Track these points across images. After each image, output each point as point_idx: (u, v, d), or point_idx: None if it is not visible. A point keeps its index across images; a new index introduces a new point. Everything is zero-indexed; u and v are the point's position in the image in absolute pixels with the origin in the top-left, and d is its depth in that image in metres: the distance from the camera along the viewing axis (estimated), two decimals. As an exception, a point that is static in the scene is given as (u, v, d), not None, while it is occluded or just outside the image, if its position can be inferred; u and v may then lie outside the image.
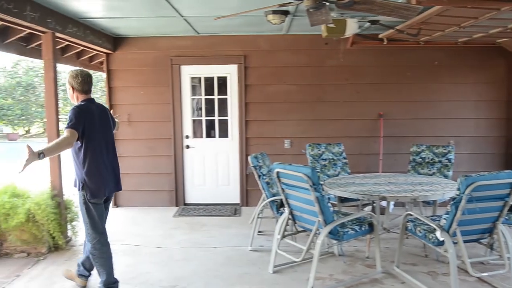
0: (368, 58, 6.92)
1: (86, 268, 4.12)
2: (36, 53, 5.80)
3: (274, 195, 4.96)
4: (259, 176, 4.98)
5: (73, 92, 3.80)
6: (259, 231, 5.59)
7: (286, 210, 4.34)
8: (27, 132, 25.74)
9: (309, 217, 4.09)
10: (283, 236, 4.41)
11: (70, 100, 3.86)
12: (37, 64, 19.27)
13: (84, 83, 3.82)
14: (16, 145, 22.10)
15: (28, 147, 3.20)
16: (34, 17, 4.55)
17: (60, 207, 5.16)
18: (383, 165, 6.85)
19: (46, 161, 3.66)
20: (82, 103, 3.79)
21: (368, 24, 5.58)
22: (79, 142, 3.65)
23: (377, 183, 4.78)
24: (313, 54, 6.94)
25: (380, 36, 6.24)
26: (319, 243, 3.88)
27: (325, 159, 5.92)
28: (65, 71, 25.38)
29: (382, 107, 6.96)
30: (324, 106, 7.00)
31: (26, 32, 5.05)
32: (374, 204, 5.02)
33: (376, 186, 4.58)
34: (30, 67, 25.05)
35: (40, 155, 3.26)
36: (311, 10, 3.63)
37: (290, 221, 4.41)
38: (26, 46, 5.74)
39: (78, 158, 3.73)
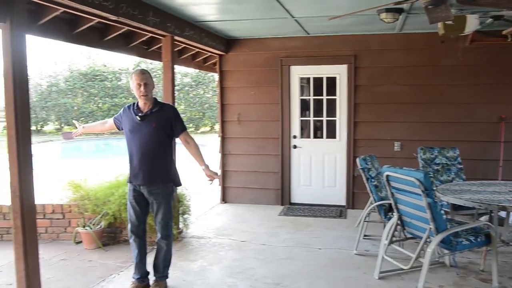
0: (489, 57, 6.43)
1: None
2: (155, 55, 6.20)
3: (382, 199, 4.83)
4: (367, 179, 4.88)
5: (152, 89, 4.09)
6: (365, 235, 5.46)
7: (395, 215, 4.20)
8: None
9: (419, 223, 3.92)
10: (391, 242, 4.27)
11: (147, 97, 4.17)
12: (156, 65, 20.60)
13: None
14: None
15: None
16: (155, 22, 4.88)
17: (174, 200, 5.46)
18: (504, 172, 6.34)
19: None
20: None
21: (490, 20, 5.19)
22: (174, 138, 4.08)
23: (496, 191, 4.44)
24: (427, 53, 6.61)
25: (503, 32, 5.76)
26: (429, 252, 3.70)
27: (438, 164, 5.62)
28: (180, 71, 26.85)
29: (504, 110, 6.44)
30: (438, 108, 6.65)
31: (148, 36, 5.43)
32: (492, 214, 4.67)
33: (495, 195, 4.25)
34: (149, 69, 26.82)
35: (208, 166, 4.02)
36: (429, 7, 3.48)
37: (398, 227, 4.26)
38: (147, 49, 6.16)
39: (169, 153, 4.03)
